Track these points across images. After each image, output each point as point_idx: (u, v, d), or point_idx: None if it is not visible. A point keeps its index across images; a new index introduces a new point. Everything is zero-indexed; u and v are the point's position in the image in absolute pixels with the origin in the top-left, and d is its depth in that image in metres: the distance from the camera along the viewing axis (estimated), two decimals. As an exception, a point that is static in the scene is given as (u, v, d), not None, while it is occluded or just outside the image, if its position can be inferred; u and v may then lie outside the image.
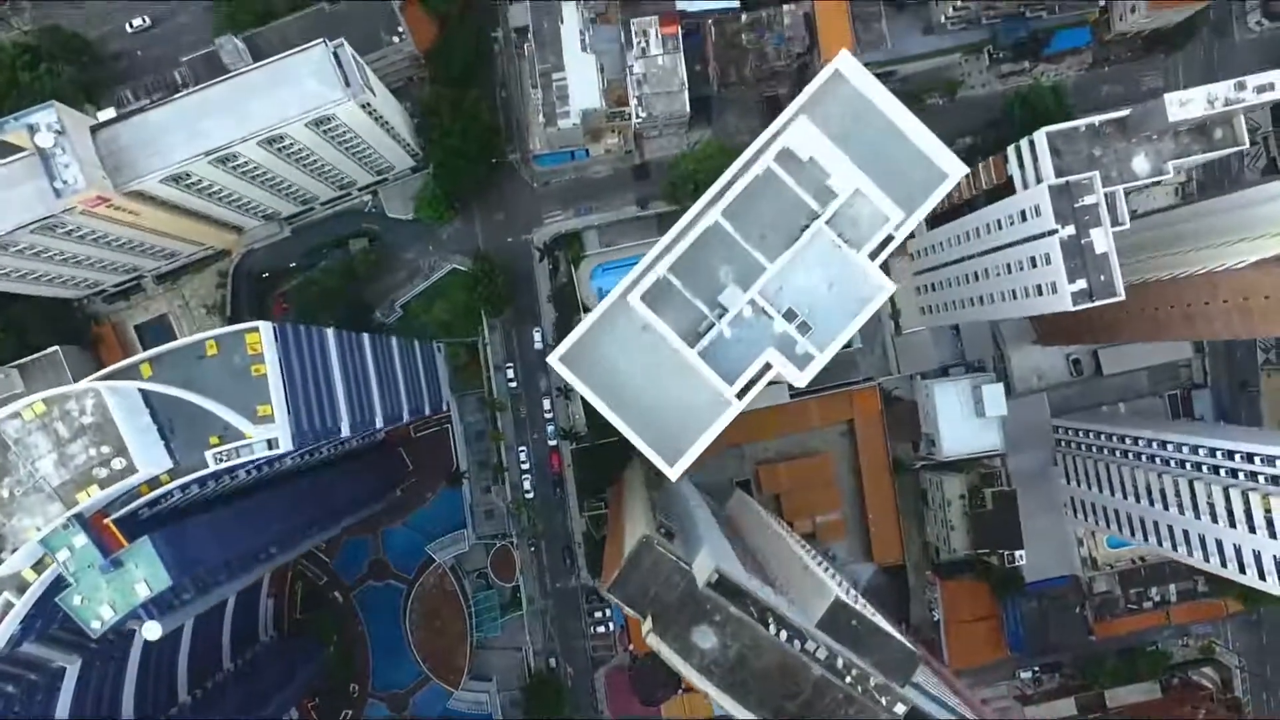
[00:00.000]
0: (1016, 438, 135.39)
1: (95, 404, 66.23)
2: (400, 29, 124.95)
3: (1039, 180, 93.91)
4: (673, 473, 60.74)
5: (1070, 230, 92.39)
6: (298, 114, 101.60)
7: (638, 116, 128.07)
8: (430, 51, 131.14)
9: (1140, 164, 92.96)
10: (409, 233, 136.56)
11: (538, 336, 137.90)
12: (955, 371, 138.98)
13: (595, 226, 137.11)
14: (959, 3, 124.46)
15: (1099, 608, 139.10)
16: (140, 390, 69.93)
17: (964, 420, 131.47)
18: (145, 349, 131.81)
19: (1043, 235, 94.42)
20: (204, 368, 72.40)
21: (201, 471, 71.57)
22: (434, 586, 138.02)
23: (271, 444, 71.56)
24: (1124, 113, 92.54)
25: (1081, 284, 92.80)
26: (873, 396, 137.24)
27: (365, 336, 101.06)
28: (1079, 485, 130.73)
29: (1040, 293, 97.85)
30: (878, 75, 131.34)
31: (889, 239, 61.05)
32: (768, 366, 58.36)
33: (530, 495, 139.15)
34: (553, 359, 62.17)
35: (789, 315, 58.40)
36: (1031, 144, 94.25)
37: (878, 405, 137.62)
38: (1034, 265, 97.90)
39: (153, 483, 70.81)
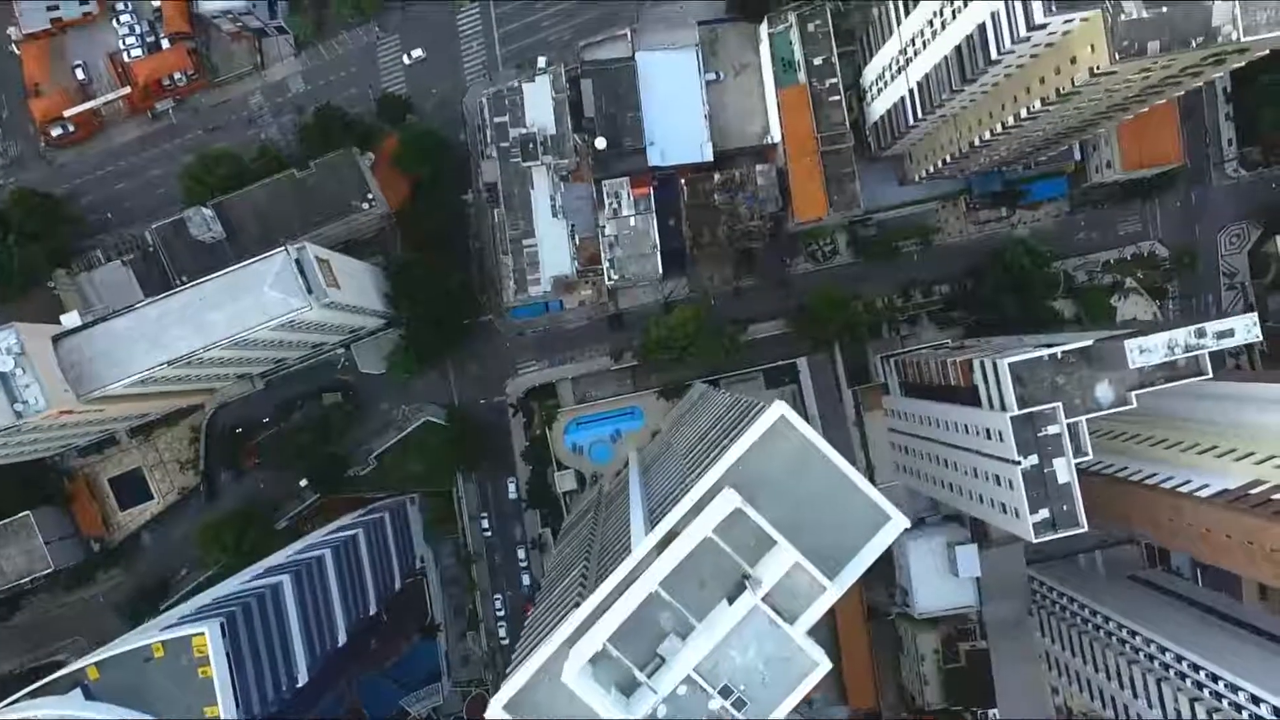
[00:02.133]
0: (992, 586, 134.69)
1: (38, 730, 66.57)
2: (370, 195, 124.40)
3: (1003, 406, 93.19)
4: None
5: (1033, 460, 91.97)
6: (259, 323, 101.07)
7: (610, 279, 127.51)
8: (402, 211, 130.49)
9: (1104, 392, 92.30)
10: (382, 385, 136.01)
11: (512, 487, 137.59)
12: (931, 519, 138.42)
13: (569, 378, 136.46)
14: (930, 168, 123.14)
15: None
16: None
17: (938, 577, 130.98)
18: (119, 503, 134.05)
19: (1005, 460, 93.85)
20: (150, 671, 72.29)
21: (150, 774, 71.89)
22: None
23: (220, 746, 71.91)
24: (1087, 342, 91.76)
25: (1044, 514, 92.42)
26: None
27: (327, 555, 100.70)
28: (1053, 643, 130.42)
29: (1004, 512, 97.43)
30: (853, 223, 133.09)
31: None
32: (705, 739, 58.43)
33: (506, 642, 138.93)
34: (493, 711, 61.86)
35: (725, 691, 58.19)
36: (995, 368, 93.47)
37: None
38: (998, 484, 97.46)
39: (102, 786, 71.12)
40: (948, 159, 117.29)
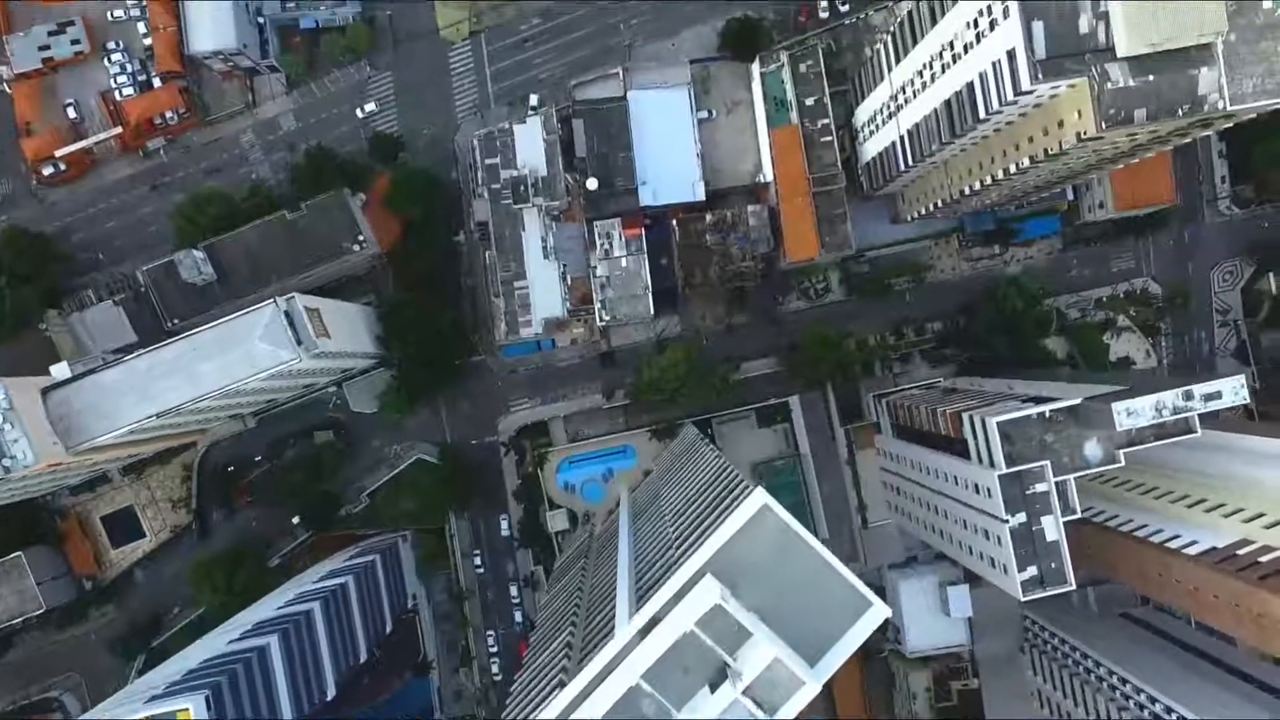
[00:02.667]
0: (984, 622, 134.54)
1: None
2: (361, 237, 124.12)
3: (991, 462, 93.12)
4: None
5: (1021, 518, 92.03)
6: (248, 375, 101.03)
7: (601, 320, 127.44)
8: (394, 250, 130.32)
9: (1092, 450, 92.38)
10: (374, 422, 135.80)
11: (505, 524, 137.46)
12: (925, 556, 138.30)
13: (561, 416, 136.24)
14: (922, 210, 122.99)
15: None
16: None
17: (929, 616, 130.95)
18: (112, 541, 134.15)
19: (993, 517, 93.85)
20: (135, 746, 72.43)
21: None
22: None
23: (203, 821, 71.96)
24: (1075, 401, 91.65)
25: (1032, 571, 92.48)
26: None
27: (316, 609, 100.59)
28: (1045, 681, 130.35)
29: (993, 566, 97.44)
30: (845, 260, 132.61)
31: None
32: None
33: (499, 678, 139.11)
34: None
35: (707, 788, 58.34)
36: (984, 425, 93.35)
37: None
38: (986, 538, 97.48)
39: None
40: (939, 203, 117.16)
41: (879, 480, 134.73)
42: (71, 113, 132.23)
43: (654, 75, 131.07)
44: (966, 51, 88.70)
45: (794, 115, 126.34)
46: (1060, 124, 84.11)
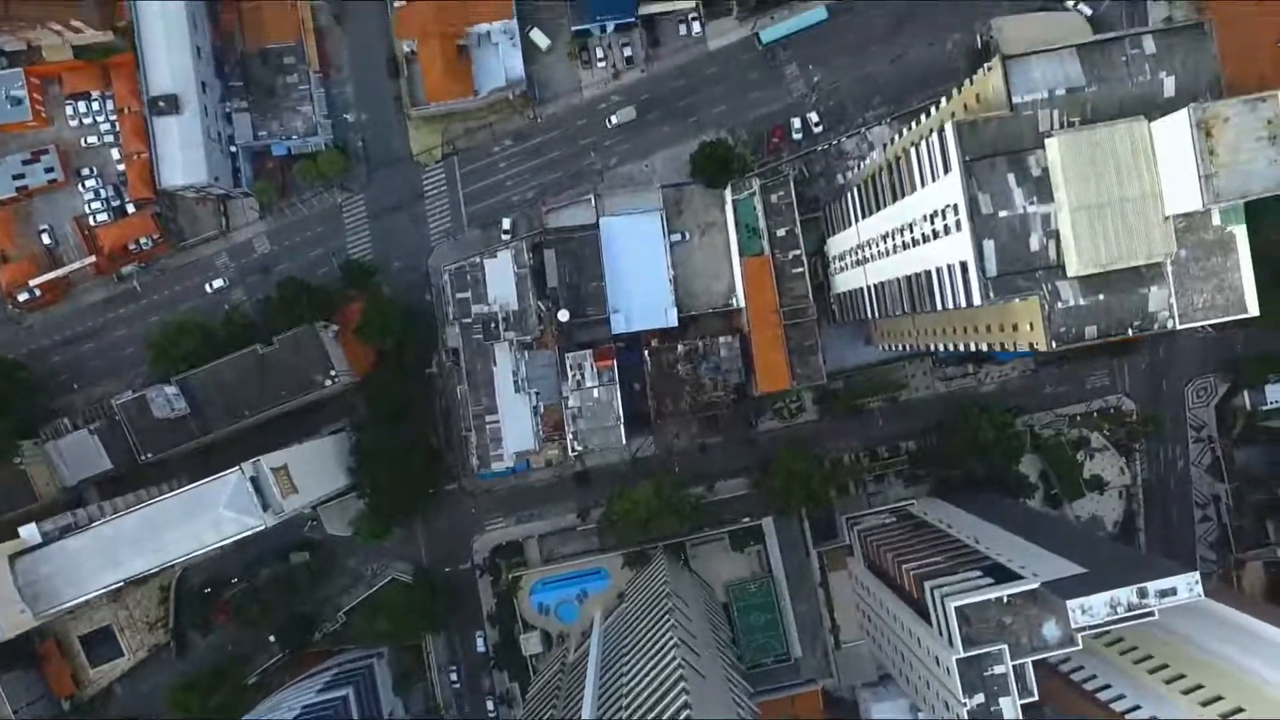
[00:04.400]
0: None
1: None
2: (333, 371, 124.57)
3: (950, 640, 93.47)
4: None
5: (979, 699, 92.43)
6: (214, 542, 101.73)
7: (573, 449, 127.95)
8: (368, 379, 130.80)
9: (1051, 632, 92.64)
10: (350, 542, 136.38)
11: (481, 641, 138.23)
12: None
13: (536, 536, 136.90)
14: (894, 345, 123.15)
15: None
16: None
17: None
18: (90, 660, 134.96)
19: (951, 694, 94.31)
20: None
21: None
22: None
23: None
24: (1033, 586, 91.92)
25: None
26: (814, 701, 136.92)
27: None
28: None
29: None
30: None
31: None
32: None
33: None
34: None
35: None
36: (943, 605, 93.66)
37: (819, 710, 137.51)
38: (947, 709, 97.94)
39: None
40: (909, 346, 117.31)
41: (852, 602, 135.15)
42: (46, 239, 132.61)
43: (626, 200, 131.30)
44: (925, 240, 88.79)
45: (765, 244, 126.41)
46: (1014, 327, 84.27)
